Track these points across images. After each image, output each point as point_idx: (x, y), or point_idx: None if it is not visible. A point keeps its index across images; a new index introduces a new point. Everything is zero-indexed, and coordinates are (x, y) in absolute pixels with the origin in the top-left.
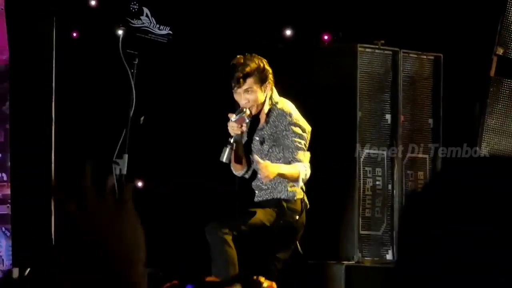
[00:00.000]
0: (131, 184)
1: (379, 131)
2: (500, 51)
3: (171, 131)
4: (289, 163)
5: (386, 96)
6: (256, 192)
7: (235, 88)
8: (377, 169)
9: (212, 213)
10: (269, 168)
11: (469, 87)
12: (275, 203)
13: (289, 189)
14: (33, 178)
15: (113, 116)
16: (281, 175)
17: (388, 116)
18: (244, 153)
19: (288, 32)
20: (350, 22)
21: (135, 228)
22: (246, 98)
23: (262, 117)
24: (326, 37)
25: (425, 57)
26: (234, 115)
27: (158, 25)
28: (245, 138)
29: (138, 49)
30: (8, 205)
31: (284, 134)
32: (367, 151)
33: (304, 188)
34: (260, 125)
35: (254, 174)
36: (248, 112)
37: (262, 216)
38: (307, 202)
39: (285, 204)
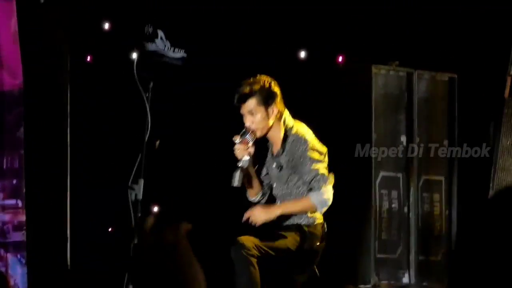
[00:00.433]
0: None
1: (395, 153)
2: None
3: (187, 155)
4: (311, 190)
5: (401, 117)
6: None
7: (240, 109)
8: (393, 191)
9: (229, 236)
10: (255, 213)
11: (484, 108)
12: (296, 228)
13: (309, 214)
14: (48, 204)
15: (129, 140)
16: (288, 213)
17: (403, 138)
18: (258, 178)
19: (303, 54)
20: (364, 43)
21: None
22: (250, 120)
23: (278, 142)
24: (340, 59)
25: (439, 77)
26: (238, 137)
27: (172, 48)
28: (256, 166)
29: (153, 72)
30: (24, 231)
31: (301, 161)
32: (382, 173)
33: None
34: (277, 151)
35: (271, 200)
36: (251, 135)
37: (286, 239)
38: (326, 226)
39: (306, 229)
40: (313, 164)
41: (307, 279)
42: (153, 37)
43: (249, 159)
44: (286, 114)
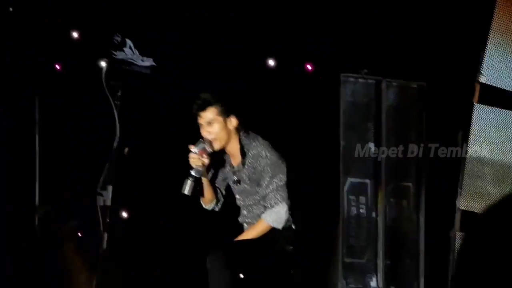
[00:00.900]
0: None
1: (363, 160)
2: (483, 78)
3: (156, 161)
4: (265, 208)
5: (370, 125)
6: (245, 225)
7: (198, 118)
8: (360, 197)
9: (200, 240)
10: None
11: (452, 115)
12: (269, 233)
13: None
14: (17, 211)
15: (98, 147)
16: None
17: (371, 145)
18: (212, 186)
19: (271, 62)
20: (333, 51)
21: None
22: (208, 131)
23: (236, 155)
24: (309, 67)
25: (408, 85)
26: (194, 147)
27: (141, 57)
28: (211, 172)
29: (122, 80)
30: None
31: (262, 175)
32: (351, 179)
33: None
34: (237, 165)
35: (236, 210)
36: (209, 146)
37: (258, 247)
38: (295, 228)
39: (277, 233)
40: (271, 180)
41: (283, 282)
42: (121, 46)
43: (203, 170)
44: (240, 128)
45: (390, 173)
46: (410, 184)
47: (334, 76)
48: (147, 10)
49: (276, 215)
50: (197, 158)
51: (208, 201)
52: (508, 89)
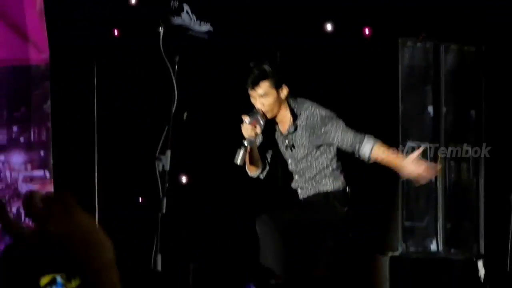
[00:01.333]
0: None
1: (422, 123)
2: None
3: (214, 126)
4: (350, 149)
5: (428, 89)
6: (299, 190)
7: (250, 91)
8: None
9: (257, 207)
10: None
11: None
12: (323, 196)
13: (335, 179)
14: (76, 175)
15: (156, 112)
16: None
17: (430, 109)
18: (260, 155)
19: (329, 27)
20: (391, 15)
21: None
22: (261, 103)
23: (285, 121)
24: (367, 31)
25: (466, 49)
26: (247, 117)
27: (198, 22)
28: (260, 140)
29: (179, 46)
30: None
31: (323, 129)
32: (410, 143)
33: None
34: (287, 131)
35: (288, 175)
36: (262, 117)
37: (311, 209)
38: (349, 191)
39: (332, 196)
40: (336, 126)
41: (336, 245)
42: (179, 11)
43: (255, 140)
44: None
45: (449, 136)
46: (469, 147)
47: (392, 40)
48: None
49: (372, 140)
50: (250, 129)
51: (254, 169)
52: None
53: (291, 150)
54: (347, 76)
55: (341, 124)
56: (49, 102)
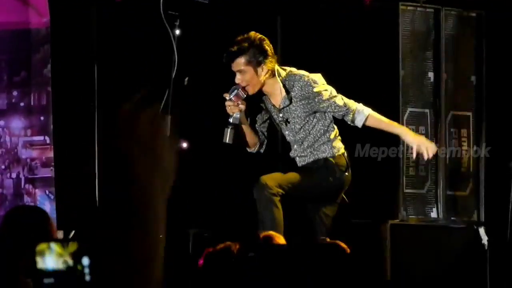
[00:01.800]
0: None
1: (422, 89)
2: None
3: (215, 92)
4: (342, 117)
5: (429, 54)
6: (297, 158)
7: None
8: (420, 127)
9: (256, 173)
10: (424, 142)
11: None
12: (323, 162)
13: (333, 144)
14: (76, 140)
15: (156, 77)
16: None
17: (431, 74)
18: (253, 130)
19: None
20: None
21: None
22: (239, 78)
23: (276, 95)
24: None
25: (467, 14)
26: (228, 94)
27: None
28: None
29: (179, 10)
30: (52, 168)
31: (317, 99)
32: (410, 109)
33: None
34: (280, 104)
35: (286, 146)
36: (242, 91)
37: (311, 174)
38: (347, 156)
39: (333, 161)
40: (331, 99)
41: (336, 211)
42: None
43: (240, 116)
44: (278, 67)
45: (450, 102)
46: (470, 113)
47: (392, 5)
48: None
49: (364, 108)
50: (233, 105)
51: (252, 145)
52: None
53: (286, 124)
54: (348, 42)
55: (333, 92)
56: (49, 66)
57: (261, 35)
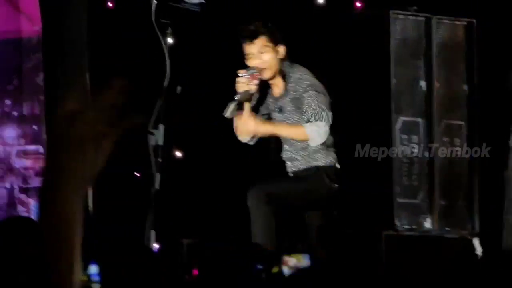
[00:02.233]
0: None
1: (414, 98)
2: None
3: (207, 100)
4: (308, 121)
5: (420, 63)
6: (289, 163)
7: (247, 48)
8: (412, 136)
9: (248, 182)
10: (246, 121)
11: (503, 53)
12: (314, 171)
13: (328, 153)
14: None
15: (148, 86)
16: (279, 135)
17: (422, 83)
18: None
19: (320, 0)
20: None
21: None
22: (260, 58)
23: (278, 85)
24: (358, 4)
25: (458, 22)
26: (244, 71)
27: None
28: (254, 102)
29: (171, 18)
30: None
31: (304, 96)
32: (402, 118)
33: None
34: (278, 94)
35: (280, 146)
36: (258, 73)
37: (300, 183)
38: (339, 167)
39: (324, 172)
40: (314, 99)
41: (323, 221)
42: None
43: (248, 94)
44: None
45: (442, 111)
46: (462, 122)
47: (383, 13)
48: None
49: (316, 128)
50: (245, 83)
51: (245, 132)
52: None
53: (280, 113)
54: (339, 51)
55: (318, 99)
56: (41, 75)
57: None
